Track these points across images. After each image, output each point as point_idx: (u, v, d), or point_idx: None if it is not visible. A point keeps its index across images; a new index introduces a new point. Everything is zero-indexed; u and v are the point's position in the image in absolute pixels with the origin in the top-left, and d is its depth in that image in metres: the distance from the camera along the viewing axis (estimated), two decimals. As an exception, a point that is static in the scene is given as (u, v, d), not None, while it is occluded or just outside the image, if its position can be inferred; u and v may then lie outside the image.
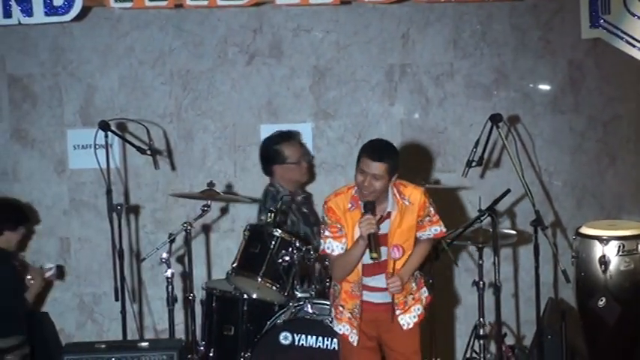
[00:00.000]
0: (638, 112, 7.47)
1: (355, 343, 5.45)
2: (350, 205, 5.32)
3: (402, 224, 5.34)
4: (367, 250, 5.22)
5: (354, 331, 5.45)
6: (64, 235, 7.33)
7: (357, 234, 5.26)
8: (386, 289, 5.38)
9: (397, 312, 5.43)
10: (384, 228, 5.33)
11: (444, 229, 5.55)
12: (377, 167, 5.18)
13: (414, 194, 5.38)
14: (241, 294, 6.37)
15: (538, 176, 7.42)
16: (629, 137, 7.49)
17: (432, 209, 5.45)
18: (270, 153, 6.74)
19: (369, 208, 5.22)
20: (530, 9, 7.37)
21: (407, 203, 5.34)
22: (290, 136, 6.85)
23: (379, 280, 5.40)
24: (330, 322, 5.68)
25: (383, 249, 5.31)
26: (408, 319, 5.47)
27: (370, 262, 5.27)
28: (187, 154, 7.34)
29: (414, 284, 5.52)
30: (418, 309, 5.53)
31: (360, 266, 5.37)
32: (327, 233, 5.38)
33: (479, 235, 6.38)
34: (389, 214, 5.34)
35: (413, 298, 5.50)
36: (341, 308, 5.48)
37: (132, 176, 7.31)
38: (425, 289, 5.64)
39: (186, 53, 7.27)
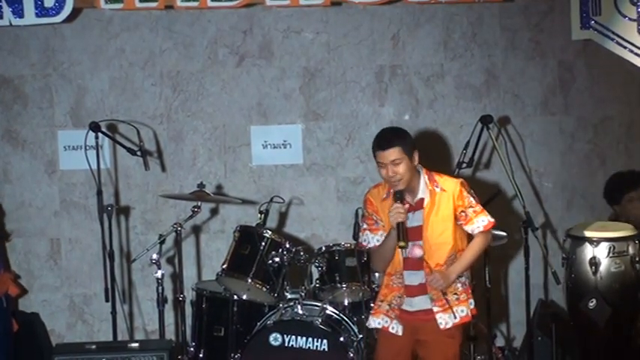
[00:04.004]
0: (628, 114, 7.48)
1: (400, 332, 5.39)
2: (385, 195, 5.37)
3: (437, 213, 5.31)
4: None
5: (395, 321, 5.40)
6: (54, 236, 7.33)
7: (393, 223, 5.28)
8: (424, 292, 5.35)
9: (435, 309, 5.34)
10: (417, 219, 5.32)
11: (492, 219, 5.42)
12: (390, 154, 5.23)
13: (448, 182, 5.39)
14: (231, 295, 6.39)
15: (528, 177, 7.42)
16: (619, 138, 7.50)
17: (472, 199, 5.37)
18: None
19: (398, 197, 5.25)
20: (520, 10, 7.37)
21: (438, 190, 5.33)
22: None
23: (419, 275, 5.35)
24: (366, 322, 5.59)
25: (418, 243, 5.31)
26: (448, 318, 5.34)
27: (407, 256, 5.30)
28: (177, 155, 7.33)
29: (459, 285, 5.39)
30: (462, 311, 5.38)
31: (400, 258, 5.35)
32: (364, 226, 5.47)
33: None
34: (421, 202, 5.33)
35: (457, 299, 5.38)
36: (379, 303, 5.48)
37: (122, 177, 7.30)
38: (472, 300, 5.46)
39: (177, 54, 7.26)
